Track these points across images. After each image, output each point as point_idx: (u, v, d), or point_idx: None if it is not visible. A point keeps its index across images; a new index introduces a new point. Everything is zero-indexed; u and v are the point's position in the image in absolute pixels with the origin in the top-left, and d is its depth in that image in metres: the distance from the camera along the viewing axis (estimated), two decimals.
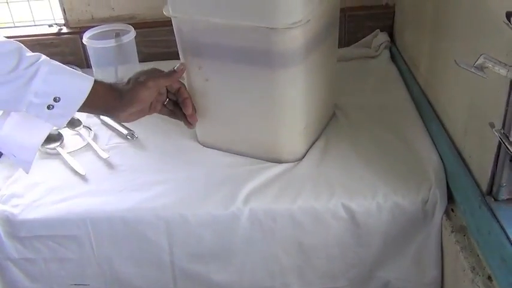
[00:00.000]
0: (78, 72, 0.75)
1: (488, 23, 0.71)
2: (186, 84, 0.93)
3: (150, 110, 0.84)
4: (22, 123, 0.73)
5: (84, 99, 0.73)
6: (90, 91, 0.73)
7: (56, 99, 0.70)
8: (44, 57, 0.72)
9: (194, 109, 0.89)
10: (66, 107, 0.72)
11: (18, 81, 0.68)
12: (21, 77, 0.69)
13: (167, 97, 0.87)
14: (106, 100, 0.77)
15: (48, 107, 0.71)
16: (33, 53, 0.71)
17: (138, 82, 0.81)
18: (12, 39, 0.71)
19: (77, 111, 0.74)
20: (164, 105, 0.88)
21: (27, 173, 0.78)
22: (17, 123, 0.73)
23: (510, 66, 0.63)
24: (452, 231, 0.80)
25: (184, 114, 0.88)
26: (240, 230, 0.84)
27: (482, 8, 0.73)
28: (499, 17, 0.63)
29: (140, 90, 0.80)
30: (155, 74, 0.83)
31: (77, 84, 0.73)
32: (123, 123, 1.03)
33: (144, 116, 0.85)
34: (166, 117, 0.90)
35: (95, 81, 0.74)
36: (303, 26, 0.80)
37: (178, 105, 0.88)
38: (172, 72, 0.86)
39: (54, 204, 0.87)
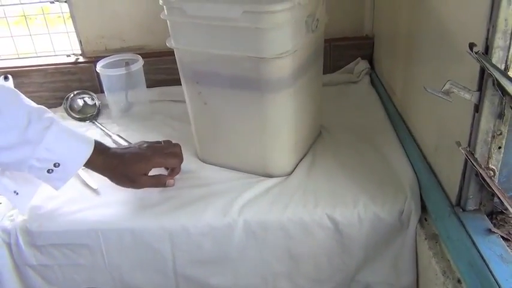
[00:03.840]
0: (80, 137, 0.74)
1: (453, 53, 0.71)
2: (187, 107, 0.93)
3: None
4: (19, 174, 0.72)
5: (81, 166, 0.72)
6: (90, 156, 0.72)
7: (55, 165, 0.69)
8: (53, 122, 0.70)
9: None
10: (64, 172, 0.71)
11: (25, 148, 0.67)
12: (27, 144, 0.67)
13: None
14: (102, 168, 0.76)
15: (48, 171, 0.69)
16: (45, 116, 0.70)
17: (142, 161, 0.80)
18: (28, 103, 0.70)
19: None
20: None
21: (23, 213, 0.76)
22: (14, 175, 0.72)
23: (474, 91, 0.63)
24: (425, 239, 0.79)
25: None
26: (235, 239, 0.84)
27: (449, 39, 0.73)
28: (463, 47, 0.63)
29: (141, 168, 0.80)
30: (159, 158, 0.83)
31: (77, 151, 0.72)
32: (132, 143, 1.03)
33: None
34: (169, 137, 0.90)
35: (95, 148, 0.73)
36: (291, 56, 0.80)
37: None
38: (173, 171, 0.86)
39: (69, 215, 0.87)
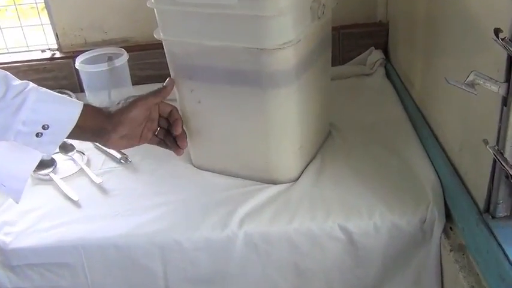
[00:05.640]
0: (67, 98, 0.75)
1: (478, 40, 0.72)
2: (178, 107, 0.93)
3: (140, 139, 0.84)
4: (12, 151, 0.72)
5: (74, 125, 0.72)
6: (80, 115, 0.72)
7: (44, 127, 0.70)
8: (31, 84, 0.71)
9: (184, 132, 0.88)
10: (55, 134, 0.71)
11: (6, 111, 0.68)
12: (8, 107, 0.68)
13: (158, 125, 0.87)
14: (96, 122, 0.76)
15: (37, 135, 0.70)
16: (21, 81, 0.71)
17: (127, 102, 0.81)
18: None
19: (67, 137, 0.73)
20: (155, 135, 0.87)
21: (17, 202, 0.77)
22: (7, 152, 0.72)
23: (501, 82, 0.63)
24: (451, 250, 0.79)
25: (175, 142, 0.87)
26: (235, 254, 0.84)
27: (472, 25, 0.74)
28: (488, 33, 0.63)
29: (130, 109, 0.79)
30: (144, 94, 0.83)
31: (66, 110, 0.72)
32: None
33: (134, 145, 0.84)
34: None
35: (84, 105, 0.74)
36: (294, 46, 0.80)
37: (169, 134, 0.87)
38: (161, 88, 0.85)
39: (47, 231, 0.87)
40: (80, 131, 0.74)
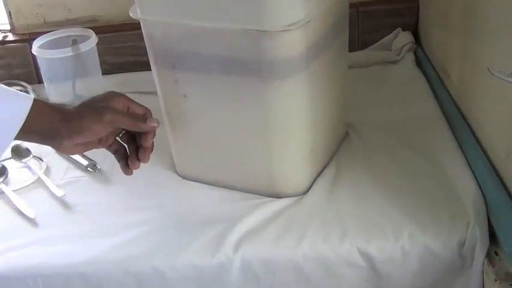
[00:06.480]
0: (12, 91, 0.74)
1: None
2: (160, 101, 0.93)
3: (99, 143, 0.82)
4: None
5: (21, 125, 0.70)
6: (29, 112, 0.71)
7: None
8: None
9: (153, 145, 0.84)
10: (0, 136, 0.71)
11: None
12: None
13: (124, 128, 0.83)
14: (48, 122, 0.74)
15: None
16: None
17: (93, 109, 0.78)
18: None
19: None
20: (117, 138, 0.84)
21: None
22: None
23: None
24: (496, 280, 0.79)
25: (135, 153, 0.83)
26: (229, 285, 0.84)
27: None
28: None
29: (93, 120, 0.77)
30: (117, 105, 0.80)
31: (12, 106, 0.71)
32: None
33: (91, 149, 0.82)
34: None
35: (35, 100, 0.73)
36: (302, 28, 0.80)
37: (133, 140, 0.84)
38: (141, 120, 0.81)
39: None
40: (29, 131, 0.72)
